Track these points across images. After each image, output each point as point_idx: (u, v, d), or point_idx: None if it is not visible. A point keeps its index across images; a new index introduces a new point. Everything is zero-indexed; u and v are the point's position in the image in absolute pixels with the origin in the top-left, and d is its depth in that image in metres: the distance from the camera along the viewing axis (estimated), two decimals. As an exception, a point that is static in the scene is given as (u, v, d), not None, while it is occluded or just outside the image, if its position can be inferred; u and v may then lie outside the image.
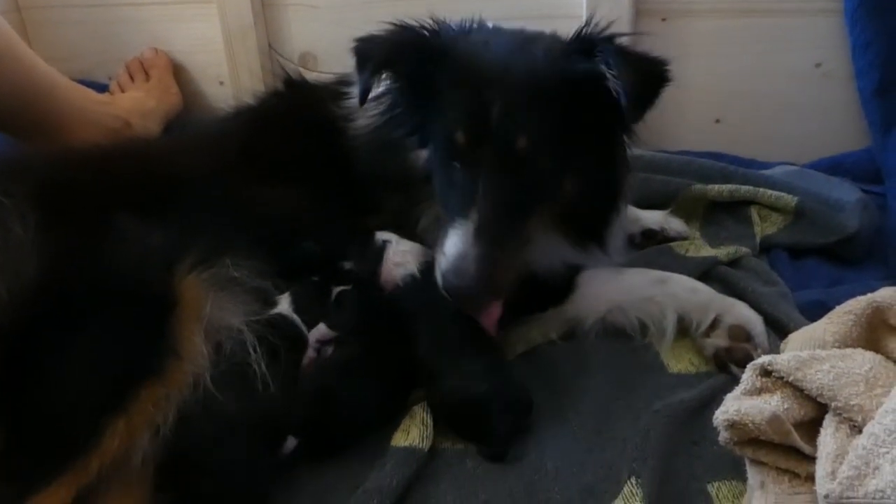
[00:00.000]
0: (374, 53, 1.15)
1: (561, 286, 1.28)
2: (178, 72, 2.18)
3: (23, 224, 1.01)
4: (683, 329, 1.23)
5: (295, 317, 1.16)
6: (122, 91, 2.09)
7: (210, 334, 1.05)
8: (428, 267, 1.18)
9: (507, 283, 1.12)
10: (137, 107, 1.98)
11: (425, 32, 1.17)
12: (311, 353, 1.16)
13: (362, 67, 1.15)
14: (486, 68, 1.12)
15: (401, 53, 1.16)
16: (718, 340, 1.18)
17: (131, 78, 2.12)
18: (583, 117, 1.11)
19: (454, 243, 1.07)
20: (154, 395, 0.96)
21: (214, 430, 0.99)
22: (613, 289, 1.28)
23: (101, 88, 2.11)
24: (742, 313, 1.20)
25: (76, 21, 2.25)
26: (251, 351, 1.07)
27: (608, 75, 1.05)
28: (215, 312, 1.07)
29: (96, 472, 0.91)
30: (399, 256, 1.21)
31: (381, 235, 1.24)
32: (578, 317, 1.27)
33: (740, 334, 1.17)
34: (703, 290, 1.26)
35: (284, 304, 1.17)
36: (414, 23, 1.17)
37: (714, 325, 1.20)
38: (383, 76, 1.18)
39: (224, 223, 1.16)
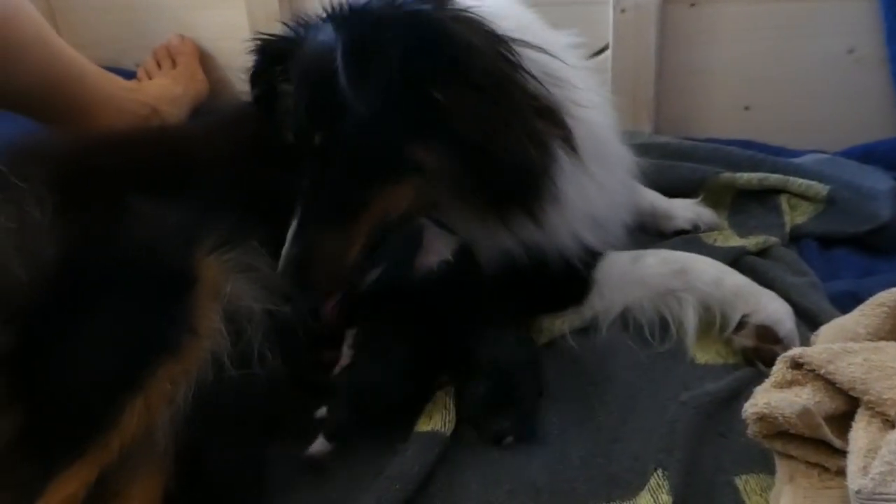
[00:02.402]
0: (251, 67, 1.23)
1: (577, 283, 1.24)
2: (204, 58, 2.18)
3: (41, 207, 1.01)
4: (708, 323, 1.19)
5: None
6: (150, 78, 2.10)
7: (229, 314, 1.05)
8: (461, 251, 1.18)
9: (337, 273, 1.13)
10: (164, 93, 1.98)
11: (271, 38, 1.21)
12: (344, 361, 1.15)
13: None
14: (297, 64, 1.14)
15: (260, 64, 1.22)
16: (745, 340, 1.14)
17: (158, 65, 2.13)
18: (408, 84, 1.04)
19: (284, 247, 1.10)
20: (171, 372, 0.96)
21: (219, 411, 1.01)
22: (632, 281, 1.23)
23: (128, 75, 2.12)
24: (770, 311, 1.14)
25: (103, 8, 2.27)
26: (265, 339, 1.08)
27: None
28: (235, 294, 1.07)
29: (117, 451, 0.91)
30: (431, 243, 1.19)
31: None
32: (597, 314, 1.24)
33: (768, 335, 1.12)
34: (728, 283, 1.19)
35: None
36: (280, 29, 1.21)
37: (741, 324, 1.15)
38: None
39: (247, 209, 1.15)
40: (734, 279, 1.21)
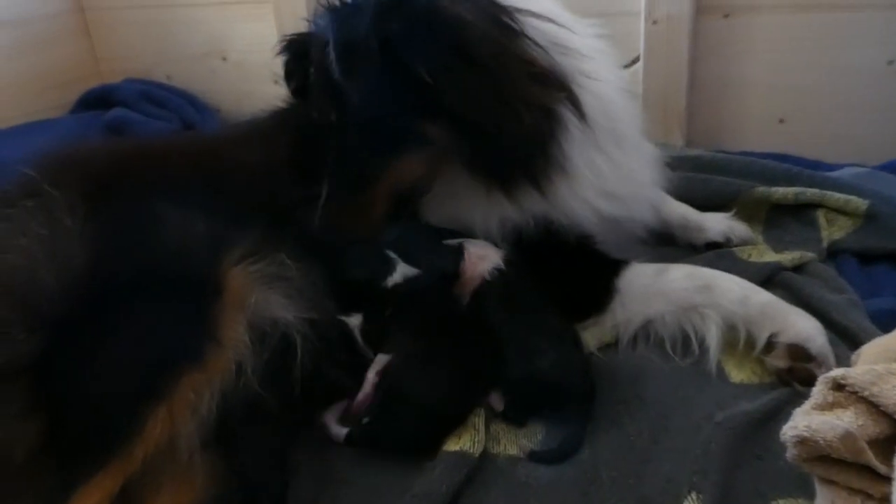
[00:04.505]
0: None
1: (600, 287, 1.22)
2: (234, 70, 2.21)
3: (72, 215, 1.02)
4: (734, 342, 1.16)
5: (357, 334, 1.17)
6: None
7: (255, 325, 1.05)
8: (507, 258, 1.20)
9: (363, 225, 1.21)
10: None
11: (295, 36, 1.29)
12: (367, 388, 1.12)
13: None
14: (313, 54, 1.19)
15: (291, 61, 1.31)
16: (778, 361, 1.10)
17: None
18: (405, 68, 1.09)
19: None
20: (194, 382, 0.96)
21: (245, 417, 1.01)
22: (655, 293, 1.20)
23: (160, 87, 2.16)
24: (798, 329, 1.10)
25: (136, 21, 2.31)
26: (296, 348, 1.08)
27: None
28: (261, 304, 1.07)
29: (140, 460, 0.91)
30: (481, 250, 1.20)
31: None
32: (618, 326, 1.21)
33: (800, 354, 1.08)
34: (754, 301, 1.15)
35: (354, 320, 1.18)
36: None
37: (770, 345, 1.11)
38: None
39: (276, 219, 1.16)
40: (760, 297, 1.17)
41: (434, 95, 1.08)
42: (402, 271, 1.21)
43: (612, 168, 1.22)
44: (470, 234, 1.25)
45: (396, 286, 1.20)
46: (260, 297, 1.06)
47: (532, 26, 1.14)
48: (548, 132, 1.14)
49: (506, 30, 1.12)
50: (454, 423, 1.07)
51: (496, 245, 1.24)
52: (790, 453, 0.81)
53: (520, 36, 1.12)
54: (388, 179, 1.20)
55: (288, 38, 1.31)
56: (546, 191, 1.17)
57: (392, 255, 1.23)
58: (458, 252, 1.21)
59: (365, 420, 1.07)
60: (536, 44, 1.13)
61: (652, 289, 1.21)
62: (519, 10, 1.14)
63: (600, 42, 1.29)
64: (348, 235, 1.20)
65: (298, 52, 1.28)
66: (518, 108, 1.11)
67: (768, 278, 1.32)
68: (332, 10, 1.15)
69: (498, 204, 1.20)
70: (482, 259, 1.20)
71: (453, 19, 1.07)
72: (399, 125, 1.15)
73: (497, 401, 1.11)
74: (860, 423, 0.78)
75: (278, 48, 1.31)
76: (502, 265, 1.19)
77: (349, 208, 1.19)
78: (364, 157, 1.18)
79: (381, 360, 1.14)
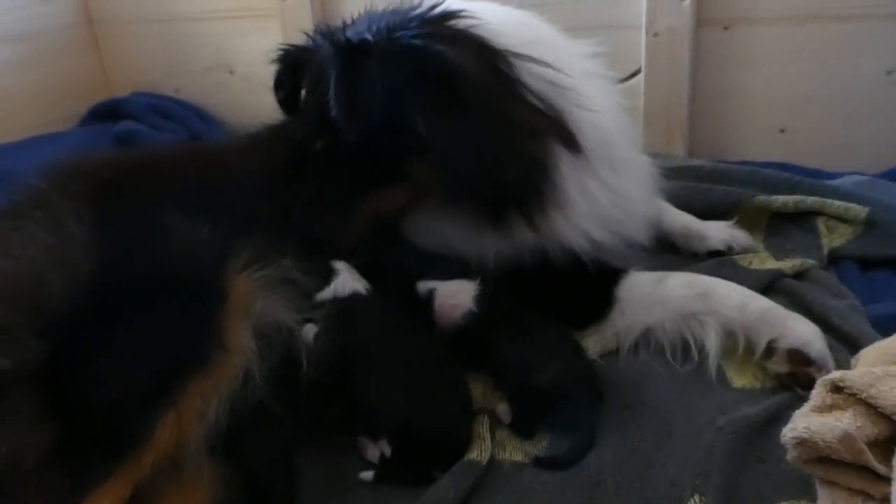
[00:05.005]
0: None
1: (599, 297, 1.23)
2: (240, 83, 2.23)
3: (79, 223, 1.04)
4: (734, 348, 1.16)
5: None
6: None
7: (260, 330, 1.06)
8: (482, 293, 1.20)
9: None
10: None
11: (292, 48, 1.32)
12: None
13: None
14: (308, 74, 1.25)
15: (282, 71, 1.34)
16: (778, 366, 1.11)
17: None
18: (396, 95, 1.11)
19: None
20: (201, 388, 0.97)
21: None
22: (654, 301, 1.21)
23: (168, 101, 2.18)
24: (797, 334, 1.11)
25: (145, 35, 2.33)
26: (301, 352, 1.10)
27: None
28: (266, 309, 1.08)
29: (149, 466, 0.92)
30: (452, 298, 1.20)
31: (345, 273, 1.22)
32: (619, 334, 1.22)
33: (800, 358, 1.09)
34: (753, 308, 1.16)
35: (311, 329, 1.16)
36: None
37: (770, 351, 1.12)
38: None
39: (281, 226, 1.18)
40: (759, 304, 1.18)
41: (426, 140, 1.12)
42: (340, 288, 1.19)
43: (608, 193, 1.24)
44: (464, 262, 1.26)
45: (324, 301, 1.18)
46: (265, 303, 1.08)
47: (528, 72, 1.17)
48: (538, 178, 1.17)
49: (504, 79, 1.15)
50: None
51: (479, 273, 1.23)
52: (790, 455, 0.82)
53: (516, 83, 1.15)
54: (367, 207, 1.23)
55: (284, 48, 1.34)
56: (539, 226, 1.19)
57: (343, 269, 1.21)
58: (429, 299, 1.21)
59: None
60: (531, 91, 1.16)
61: (652, 297, 1.22)
62: (517, 55, 1.16)
63: (596, 63, 1.31)
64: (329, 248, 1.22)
65: (291, 64, 1.32)
66: (509, 161, 1.14)
67: (769, 285, 1.33)
68: (336, 44, 1.16)
69: (490, 237, 1.22)
70: (454, 307, 1.19)
71: (453, 70, 1.10)
72: (386, 159, 1.18)
73: (504, 412, 1.12)
74: (859, 424, 0.79)
75: (273, 57, 1.34)
76: (475, 308, 1.18)
77: (329, 225, 1.22)
78: (346, 184, 1.22)
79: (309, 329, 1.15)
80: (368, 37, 1.13)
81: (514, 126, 1.14)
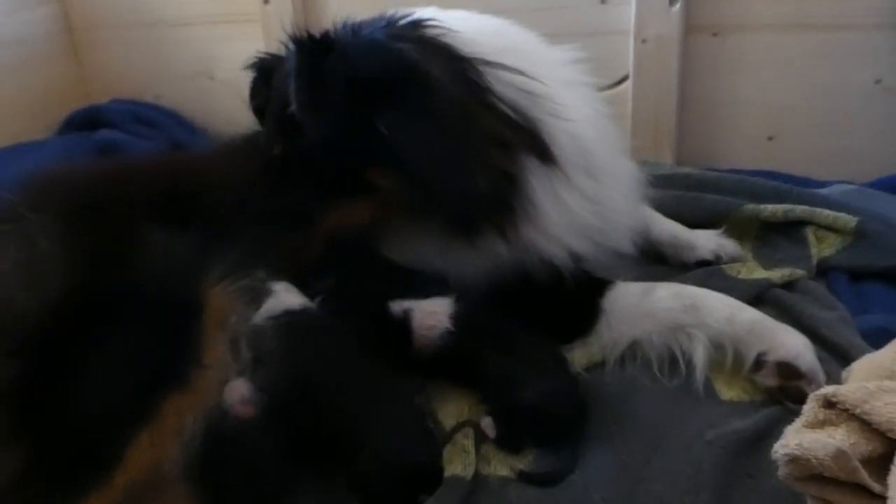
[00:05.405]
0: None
1: (585, 310, 1.21)
2: (222, 89, 2.21)
3: (50, 238, 1.01)
4: (722, 360, 1.14)
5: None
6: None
7: (235, 343, 1.05)
8: (458, 311, 1.16)
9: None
10: None
11: (266, 56, 1.31)
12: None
13: None
14: (275, 80, 1.23)
15: (256, 80, 1.34)
16: (768, 380, 1.08)
17: None
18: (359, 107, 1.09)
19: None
20: (178, 405, 0.95)
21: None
22: (641, 314, 1.18)
23: (149, 108, 2.15)
24: (787, 347, 1.09)
25: (125, 42, 2.31)
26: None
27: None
28: (242, 322, 1.06)
29: (123, 487, 0.89)
30: (430, 318, 1.16)
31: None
32: (605, 347, 1.19)
33: (790, 372, 1.07)
34: (741, 320, 1.14)
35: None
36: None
37: (759, 364, 1.10)
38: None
39: (256, 236, 1.15)
40: (747, 315, 1.16)
41: (389, 147, 1.08)
42: (275, 307, 1.13)
43: (586, 203, 1.21)
44: (441, 278, 1.22)
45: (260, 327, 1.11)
46: (241, 315, 1.06)
47: (500, 80, 1.14)
48: (507, 191, 1.14)
49: (473, 87, 1.11)
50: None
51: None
52: (782, 472, 0.80)
53: (486, 93, 1.12)
54: (326, 222, 1.19)
55: (260, 56, 1.33)
56: (513, 239, 1.16)
57: (281, 289, 1.15)
58: (404, 320, 1.16)
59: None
60: (503, 100, 1.13)
61: (639, 309, 1.19)
62: (489, 63, 1.14)
63: (576, 70, 1.28)
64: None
65: (265, 72, 1.30)
66: (476, 171, 1.11)
67: (758, 296, 1.31)
68: (298, 41, 1.13)
69: (465, 252, 1.18)
70: (431, 328, 1.15)
71: (421, 76, 1.07)
72: (348, 169, 1.14)
73: (489, 427, 1.09)
74: (852, 440, 0.77)
75: (249, 65, 1.33)
76: (452, 327, 1.15)
77: (284, 244, 1.17)
78: (305, 195, 1.18)
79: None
80: (330, 32, 1.11)
81: (481, 136, 1.11)
